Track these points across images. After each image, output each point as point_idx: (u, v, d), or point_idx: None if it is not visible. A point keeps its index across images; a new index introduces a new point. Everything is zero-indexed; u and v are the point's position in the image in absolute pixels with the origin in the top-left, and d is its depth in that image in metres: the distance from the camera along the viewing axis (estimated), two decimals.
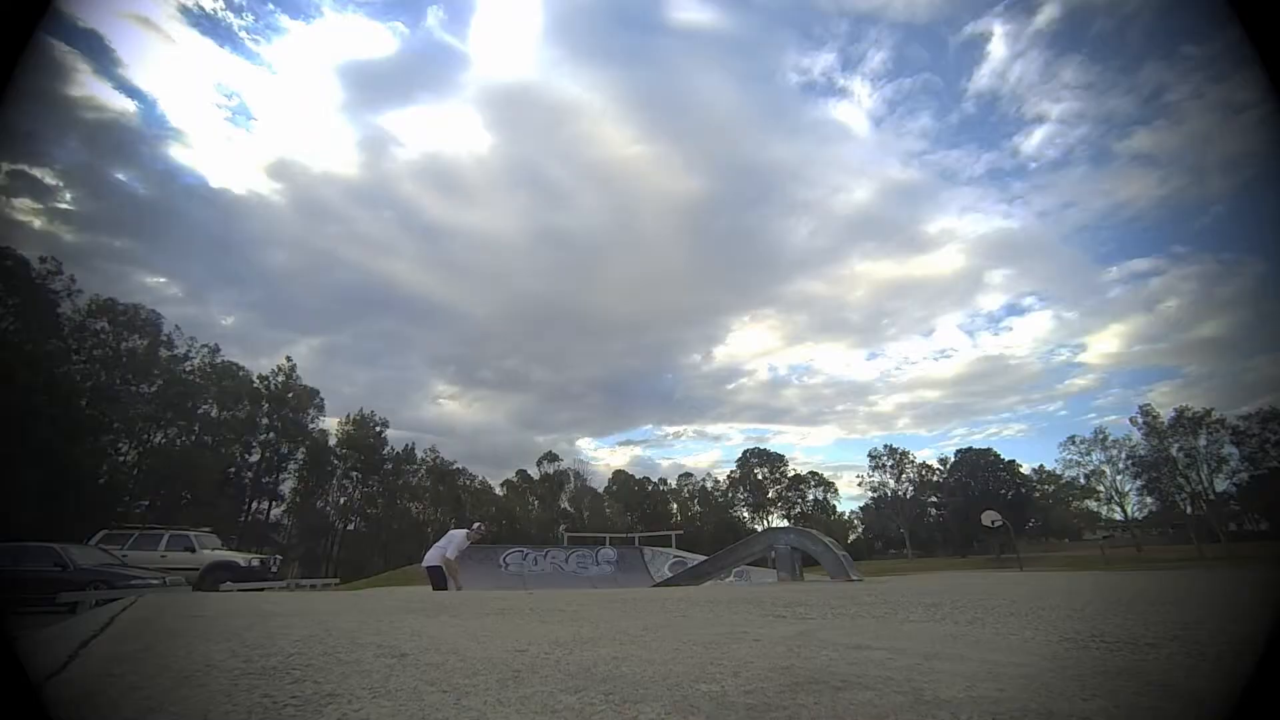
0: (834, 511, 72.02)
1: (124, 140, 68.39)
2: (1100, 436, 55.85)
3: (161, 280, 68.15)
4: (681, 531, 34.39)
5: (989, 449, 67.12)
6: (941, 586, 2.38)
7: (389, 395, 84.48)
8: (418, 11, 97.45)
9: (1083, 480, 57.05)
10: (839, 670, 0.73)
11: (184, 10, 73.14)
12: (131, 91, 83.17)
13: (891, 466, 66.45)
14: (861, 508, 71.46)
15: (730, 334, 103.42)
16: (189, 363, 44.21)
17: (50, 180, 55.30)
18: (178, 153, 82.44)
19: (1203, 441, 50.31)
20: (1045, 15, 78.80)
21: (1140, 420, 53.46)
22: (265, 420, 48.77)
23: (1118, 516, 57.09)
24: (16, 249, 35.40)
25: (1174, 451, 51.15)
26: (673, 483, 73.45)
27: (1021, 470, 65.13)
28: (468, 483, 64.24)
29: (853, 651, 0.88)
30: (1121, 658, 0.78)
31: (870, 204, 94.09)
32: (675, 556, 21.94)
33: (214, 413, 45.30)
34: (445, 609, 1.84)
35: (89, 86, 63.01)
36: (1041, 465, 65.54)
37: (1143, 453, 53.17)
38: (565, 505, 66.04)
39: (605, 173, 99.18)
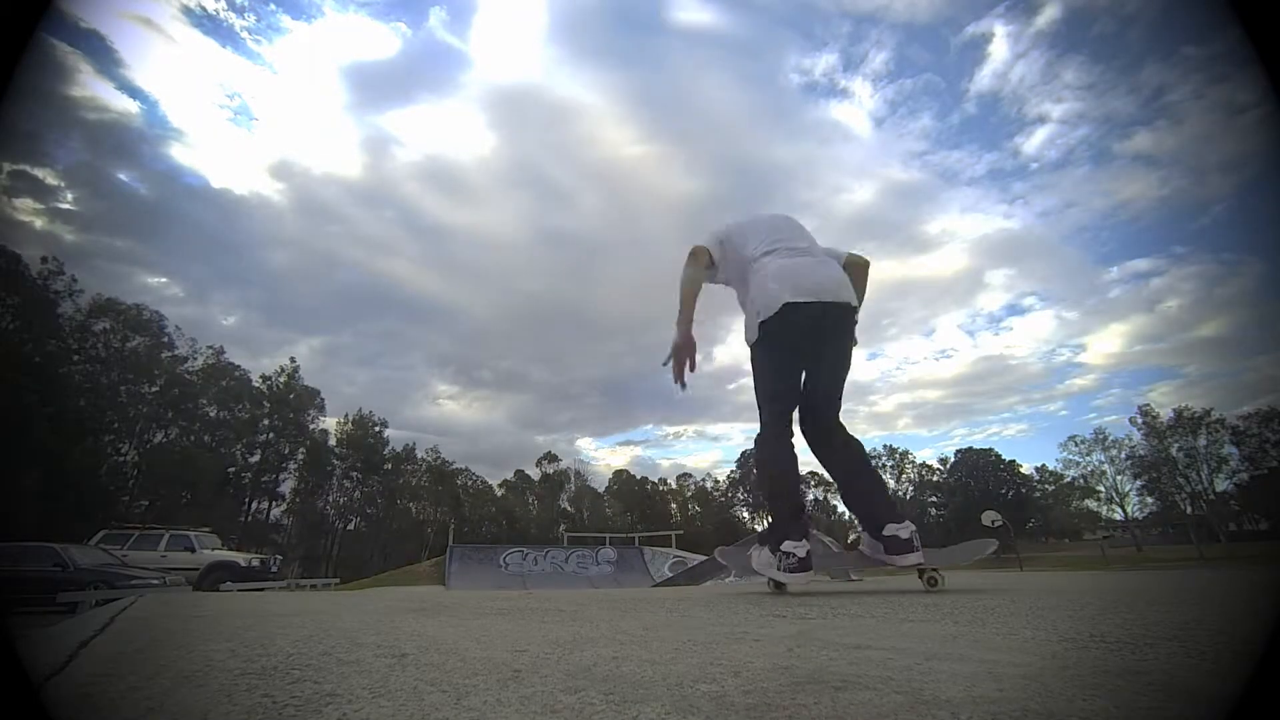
0: (834, 511, 72.08)
1: (126, 140, 68.57)
2: (1100, 436, 55.97)
3: (163, 280, 68.32)
4: (681, 531, 34.39)
5: (989, 449, 67.30)
6: (942, 586, 2.38)
7: (389, 395, 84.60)
8: (419, 12, 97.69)
9: (1083, 480, 57.12)
10: (839, 670, 0.73)
11: (186, 11, 73.27)
12: (133, 92, 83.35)
13: (892, 467, 66.57)
14: None
15: (731, 334, 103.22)
16: (191, 363, 44.28)
17: (52, 180, 55.43)
18: (179, 153, 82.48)
19: (1203, 441, 50.40)
20: (1046, 16, 79.00)
21: (1140, 420, 53.60)
22: (266, 421, 48.84)
23: (1118, 516, 57.20)
24: (18, 249, 35.47)
25: (1174, 451, 51.21)
26: (673, 483, 73.54)
27: (1022, 470, 65.25)
28: (468, 483, 64.27)
29: (853, 651, 0.88)
30: (1121, 658, 0.78)
31: (871, 204, 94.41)
32: (675, 556, 21.94)
33: (214, 413, 45.35)
34: (445, 609, 1.84)
35: (91, 87, 63.20)
36: (1042, 465, 65.69)
37: (1143, 453, 53.27)
38: (565, 505, 66.08)
39: (606, 173, 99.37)
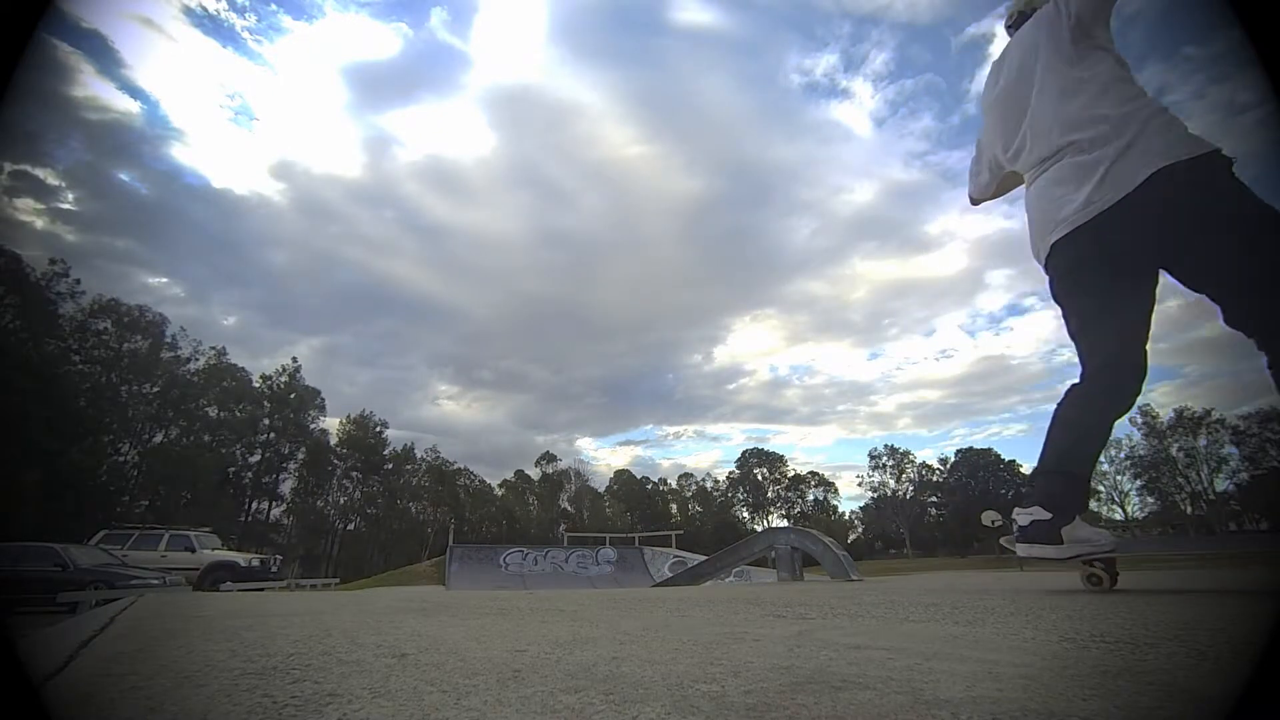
0: (834, 511, 72.10)
1: (126, 140, 68.82)
2: None
3: (163, 280, 68.49)
4: (681, 531, 34.40)
5: (989, 449, 67.33)
6: (942, 586, 2.37)
7: (389, 395, 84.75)
8: (421, 12, 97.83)
9: None
10: (839, 670, 0.73)
11: (186, 11, 73.37)
12: (134, 92, 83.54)
13: (892, 466, 66.59)
14: (862, 508, 71.69)
15: (731, 334, 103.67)
16: (193, 364, 44.30)
17: (53, 180, 55.56)
18: (180, 153, 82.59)
19: (1203, 441, 50.46)
20: None
21: (1140, 420, 53.58)
22: (267, 421, 48.86)
23: (1118, 516, 57.17)
24: (18, 249, 35.52)
25: (1174, 451, 51.25)
26: (673, 483, 73.56)
27: (1022, 470, 65.21)
28: (467, 483, 64.28)
29: (853, 651, 0.88)
30: (1121, 658, 0.78)
31: (872, 204, 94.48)
32: (675, 556, 21.93)
33: (214, 413, 45.37)
34: (445, 609, 1.84)
35: (92, 87, 63.42)
36: None
37: (1143, 453, 53.30)
38: (565, 505, 66.08)
39: (607, 173, 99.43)
